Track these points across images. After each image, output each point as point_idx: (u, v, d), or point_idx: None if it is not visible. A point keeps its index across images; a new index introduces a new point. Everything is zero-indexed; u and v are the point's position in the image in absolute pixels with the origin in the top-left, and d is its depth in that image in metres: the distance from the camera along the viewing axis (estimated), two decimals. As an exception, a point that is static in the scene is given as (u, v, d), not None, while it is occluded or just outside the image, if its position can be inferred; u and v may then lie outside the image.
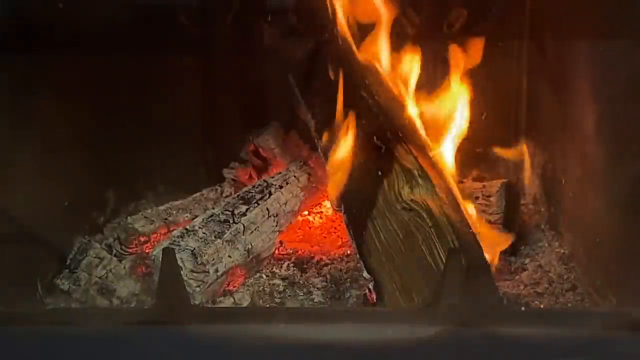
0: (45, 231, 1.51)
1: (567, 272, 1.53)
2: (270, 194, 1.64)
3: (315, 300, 1.47)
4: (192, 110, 1.89)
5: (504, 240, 1.49)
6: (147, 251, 1.60)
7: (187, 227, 1.52)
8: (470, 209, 1.45)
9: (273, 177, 1.71)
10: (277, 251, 1.63)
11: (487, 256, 1.36)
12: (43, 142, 1.52)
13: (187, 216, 1.72)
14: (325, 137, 1.54)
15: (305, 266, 1.58)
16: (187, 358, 1.11)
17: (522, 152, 1.84)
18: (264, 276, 1.55)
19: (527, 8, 1.78)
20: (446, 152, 1.56)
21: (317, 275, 1.54)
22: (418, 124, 1.56)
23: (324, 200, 1.80)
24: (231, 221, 1.53)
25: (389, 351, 1.09)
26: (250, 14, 1.83)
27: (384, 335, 1.10)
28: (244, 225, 1.54)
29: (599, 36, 1.36)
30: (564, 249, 1.60)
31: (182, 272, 1.29)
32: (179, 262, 1.34)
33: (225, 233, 1.50)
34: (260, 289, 1.50)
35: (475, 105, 1.60)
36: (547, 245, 1.64)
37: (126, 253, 1.61)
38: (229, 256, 1.48)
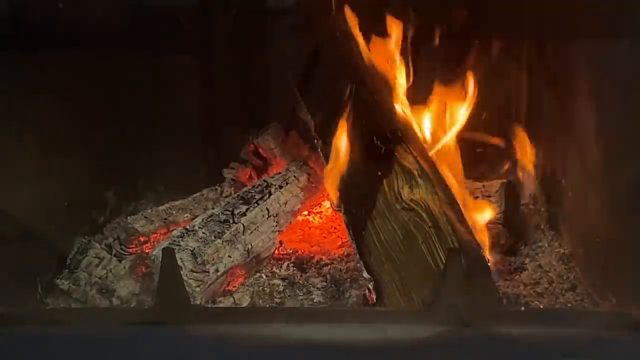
0: (45, 231, 1.51)
1: (567, 272, 1.53)
2: (270, 194, 1.64)
3: (315, 300, 1.47)
4: (192, 110, 1.89)
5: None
6: (147, 251, 1.60)
7: (187, 227, 1.52)
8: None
9: (273, 177, 1.72)
10: (277, 251, 1.63)
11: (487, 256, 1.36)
12: (43, 142, 1.52)
13: (187, 216, 1.72)
14: (325, 137, 1.54)
15: (305, 266, 1.58)
16: (187, 358, 1.11)
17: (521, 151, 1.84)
18: (264, 276, 1.55)
19: (527, 8, 1.78)
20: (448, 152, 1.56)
21: (317, 275, 1.54)
22: (418, 124, 1.56)
23: (324, 200, 1.80)
24: (231, 221, 1.53)
25: (389, 351, 1.09)
26: (250, 14, 1.83)
27: (384, 335, 1.10)
28: (243, 225, 1.54)
29: (599, 36, 1.36)
30: (564, 249, 1.61)
31: (182, 272, 1.29)
32: (179, 262, 1.34)
33: (225, 233, 1.50)
34: (260, 289, 1.50)
35: (475, 105, 1.61)
36: (547, 245, 1.64)
37: (126, 253, 1.61)
38: (229, 256, 1.48)
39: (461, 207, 1.41)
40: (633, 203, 1.23)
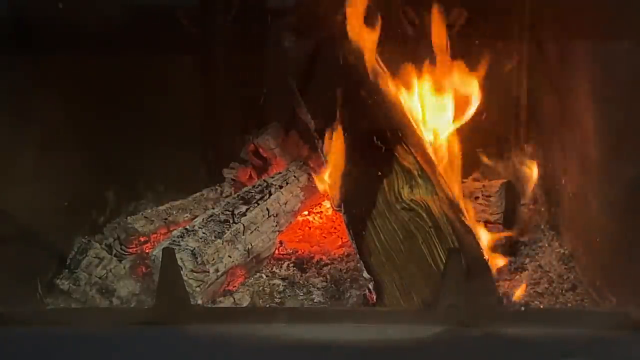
0: (45, 231, 1.51)
1: (567, 272, 1.53)
2: (270, 194, 1.64)
3: (315, 300, 1.47)
4: (192, 111, 1.89)
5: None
6: (147, 251, 1.60)
7: (187, 227, 1.52)
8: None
9: (273, 177, 1.71)
10: (277, 251, 1.63)
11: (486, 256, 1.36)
12: (43, 142, 1.52)
13: (187, 216, 1.72)
14: (325, 137, 1.54)
15: (305, 266, 1.58)
16: (187, 358, 1.11)
17: (522, 152, 1.84)
18: (264, 276, 1.55)
19: (527, 8, 1.78)
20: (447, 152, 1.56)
21: (317, 275, 1.54)
22: (418, 123, 1.56)
23: (324, 200, 1.80)
24: (231, 221, 1.53)
25: (389, 351, 1.09)
26: (250, 14, 1.83)
27: (384, 335, 1.10)
28: (244, 225, 1.54)
29: (599, 36, 1.36)
30: (564, 249, 1.60)
31: (182, 272, 1.29)
32: (179, 262, 1.34)
33: (225, 233, 1.50)
34: (260, 289, 1.50)
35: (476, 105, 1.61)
36: (547, 245, 1.64)
37: (126, 253, 1.61)
38: (229, 256, 1.48)
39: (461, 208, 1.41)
40: (633, 203, 1.23)
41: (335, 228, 1.75)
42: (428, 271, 1.31)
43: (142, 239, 1.68)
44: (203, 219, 1.53)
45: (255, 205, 1.59)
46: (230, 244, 1.49)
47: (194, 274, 1.41)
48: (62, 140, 1.59)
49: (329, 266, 1.57)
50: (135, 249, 1.64)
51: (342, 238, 1.69)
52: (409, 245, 1.33)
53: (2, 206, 1.37)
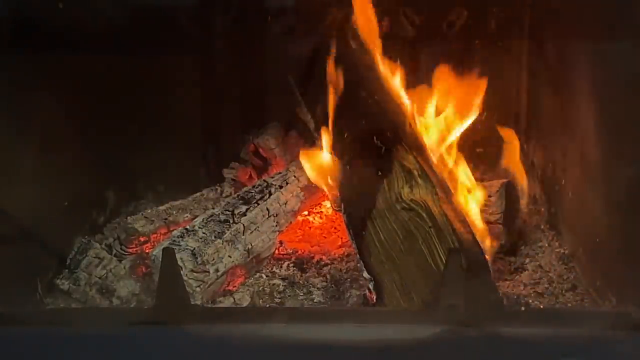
0: (45, 231, 1.50)
1: (567, 272, 1.53)
2: (270, 194, 1.64)
3: (315, 300, 1.47)
4: (192, 111, 1.89)
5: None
6: (147, 251, 1.60)
7: (187, 227, 1.52)
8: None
9: (273, 177, 1.72)
10: (277, 251, 1.63)
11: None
12: (43, 142, 1.52)
13: (187, 216, 1.72)
14: (325, 137, 1.54)
15: (305, 266, 1.58)
16: (187, 358, 1.11)
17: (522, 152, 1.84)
18: (264, 276, 1.55)
19: (527, 8, 1.78)
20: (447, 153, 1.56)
21: (317, 275, 1.54)
22: (418, 123, 1.56)
23: (324, 200, 1.80)
24: (231, 221, 1.53)
25: (389, 351, 1.09)
26: (251, 14, 1.83)
27: (384, 335, 1.10)
28: (244, 225, 1.54)
29: (599, 36, 1.36)
30: (564, 249, 1.61)
31: (182, 272, 1.29)
32: (179, 262, 1.34)
33: (225, 233, 1.50)
34: (260, 289, 1.50)
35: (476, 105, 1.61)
36: (547, 245, 1.64)
37: (126, 253, 1.61)
38: (229, 256, 1.48)
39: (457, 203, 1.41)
40: (633, 203, 1.23)
41: (335, 228, 1.75)
42: (428, 271, 1.31)
43: (142, 239, 1.68)
44: (203, 219, 1.54)
45: (255, 205, 1.59)
46: (230, 244, 1.49)
47: (194, 274, 1.41)
48: (62, 140, 1.59)
49: (329, 266, 1.57)
50: (135, 249, 1.64)
51: (342, 238, 1.69)
52: (409, 245, 1.33)
53: (2, 206, 1.37)
